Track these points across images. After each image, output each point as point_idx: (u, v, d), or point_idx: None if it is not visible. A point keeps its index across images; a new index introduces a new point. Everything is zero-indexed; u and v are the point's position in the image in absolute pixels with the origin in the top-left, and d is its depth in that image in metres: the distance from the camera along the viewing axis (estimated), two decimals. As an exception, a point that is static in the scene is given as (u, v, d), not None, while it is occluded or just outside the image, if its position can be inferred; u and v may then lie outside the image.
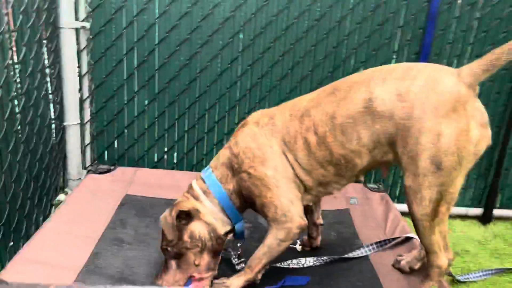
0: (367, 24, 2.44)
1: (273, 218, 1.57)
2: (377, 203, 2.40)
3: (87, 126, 2.56)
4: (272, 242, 1.58)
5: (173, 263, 1.60)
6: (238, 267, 1.76)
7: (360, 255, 1.91)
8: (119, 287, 1.52)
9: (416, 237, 1.60)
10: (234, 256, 1.79)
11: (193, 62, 2.47)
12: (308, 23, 2.43)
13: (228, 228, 1.64)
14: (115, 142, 2.60)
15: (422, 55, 2.41)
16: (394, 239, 2.00)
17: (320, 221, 1.95)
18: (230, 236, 1.68)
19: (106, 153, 2.62)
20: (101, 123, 2.56)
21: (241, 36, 2.44)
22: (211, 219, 1.60)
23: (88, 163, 2.61)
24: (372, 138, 1.47)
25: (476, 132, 1.40)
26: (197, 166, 2.65)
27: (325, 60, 2.49)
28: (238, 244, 1.78)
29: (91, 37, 2.39)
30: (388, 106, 1.42)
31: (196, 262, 1.59)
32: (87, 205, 2.12)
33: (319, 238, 1.98)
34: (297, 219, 1.57)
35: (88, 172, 2.47)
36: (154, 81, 2.50)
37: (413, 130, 1.40)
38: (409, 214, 1.49)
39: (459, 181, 1.43)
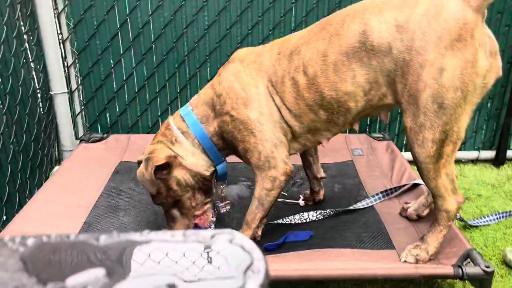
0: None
1: (257, 165, 1.49)
2: (382, 153, 2.28)
3: (76, 94, 2.46)
4: (260, 193, 1.50)
5: (174, 212, 1.58)
6: (222, 210, 1.74)
7: (365, 205, 1.82)
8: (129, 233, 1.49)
9: (423, 182, 1.51)
10: (218, 202, 1.75)
11: (178, 17, 2.32)
12: (298, -35, 2.25)
13: (212, 169, 1.59)
14: (107, 109, 2.50)
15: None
16: (400, 187, 1.90)
17: (321, 174, 1.85)
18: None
19: (98, 121, 2.53)
20: (90, 90, 2.45)
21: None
22: (193, 161, 1.54)
23: (81, 133, 2.53)
24: (369, 78, 1.34)
25: (484, 63, 1.26)
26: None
27: (318, 3, 2.31)
28: (221, 186, 1.73)
29: (67, -2, 2.25)
30: (385, 39, 1.28)
31: (193, 204, 1.58)
32: (79, 175, 2.05)
33: (322, 192, 1.90)
34: (281, 165, 1.48)
35: (81, 141, 2.39)
36: (139, 41, 2.36)
37: (414, 64, 1.26)
38: (412, 157, 1.38)
39: (465, 118, 1.30)
